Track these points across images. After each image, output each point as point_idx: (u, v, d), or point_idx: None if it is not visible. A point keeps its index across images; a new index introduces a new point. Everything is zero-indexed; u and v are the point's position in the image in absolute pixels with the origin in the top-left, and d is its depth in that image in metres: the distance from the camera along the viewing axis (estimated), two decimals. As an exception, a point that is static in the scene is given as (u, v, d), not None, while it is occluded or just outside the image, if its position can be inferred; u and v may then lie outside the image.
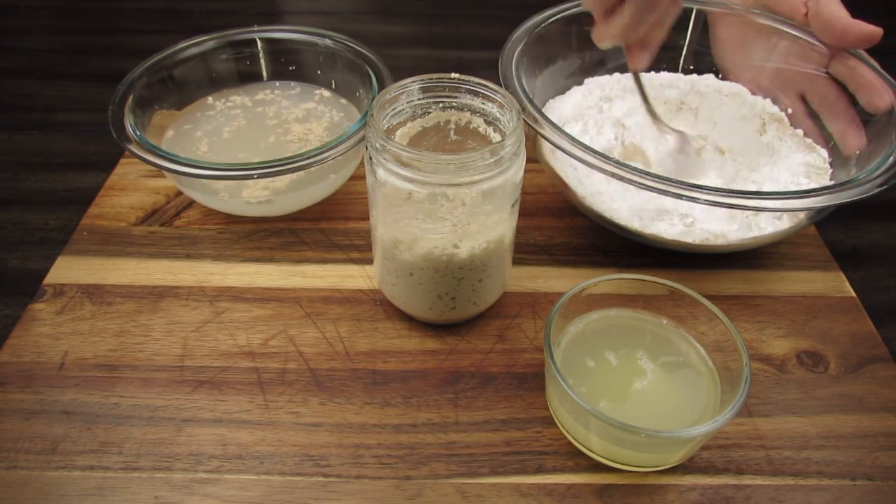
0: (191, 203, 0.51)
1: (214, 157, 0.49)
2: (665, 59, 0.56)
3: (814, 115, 0.50)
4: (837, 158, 0.47)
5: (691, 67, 0.56)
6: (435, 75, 0.38)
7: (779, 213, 0.43)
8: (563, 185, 0.47)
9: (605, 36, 0.45)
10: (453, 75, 0.38)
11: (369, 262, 0.47)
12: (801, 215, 0.43)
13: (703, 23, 0.55)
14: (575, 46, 0.54)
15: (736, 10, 0.52)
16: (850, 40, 0.45)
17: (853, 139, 0.46)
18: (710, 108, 0.52)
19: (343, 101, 0.55)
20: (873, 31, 0.44)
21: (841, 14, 0.45)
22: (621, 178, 0.38)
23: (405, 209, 0.35)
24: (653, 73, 0.56)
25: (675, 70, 0.57)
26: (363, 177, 0.39)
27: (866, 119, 0.46)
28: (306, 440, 0.37)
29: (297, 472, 0.35)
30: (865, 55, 0.47)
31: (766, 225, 0.43)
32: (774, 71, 0.52)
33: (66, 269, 0.46)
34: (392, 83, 0.38)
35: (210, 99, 0.54)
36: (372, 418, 0.38)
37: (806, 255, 0.49)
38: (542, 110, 0.45)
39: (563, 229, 0.50)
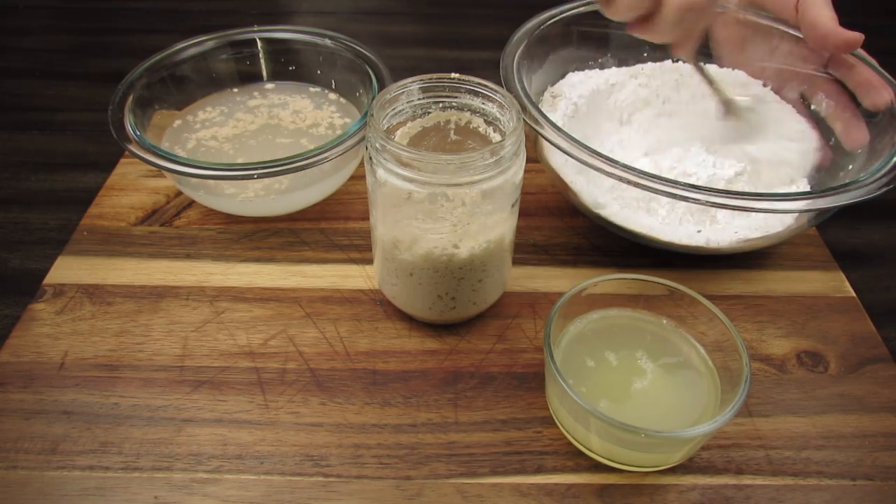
0: (191, 203, 0.51)
1: (214, 157, 0.49)
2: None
3: (813, 114, 0.50)
4: (839, 156, 0.47)
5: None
6: (435, 75, 0.38)
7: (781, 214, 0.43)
8: (564, 186, 0.47)
9: (643, 37, 0.45)
10: (453, 75, 0.38)
11: (369, 262, 0.47)
12: (804, 216, 0.43)
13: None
14: (576, 47, 0.54)
15: (733, 10, 0.52)
16: (831, 46, 0.45)
17: (856, 134, 0.46)
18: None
19: (343, 101, 0.55)
20: (853, 37, 0.44)
21: (825, 19, 0.45)
22: (622, 180, 0.38)
23: (405, 209, 0.35)
24: (649, 63, 0.56)
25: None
26: (363, 177, 0.39)
27: (867, 118, 0.46)
28: (306, 440, 0.37)
29: (297, 472, 0.35)
30: (864, 54, 0.47)
31: (767, 226, 0.43)
32: (774, 71, 0.52)
33: (66, 269, 0.46)
34: (392, 83, 0.38)
35: (210, 99, 0.54)
36: (372, 418, 0.38)
37: (806, 255, 0.49)
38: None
39: (563, 229, 0.50)
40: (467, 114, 0.39)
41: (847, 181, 0.40)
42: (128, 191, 0.52)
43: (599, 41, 0.55)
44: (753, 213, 0.43)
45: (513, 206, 0.38)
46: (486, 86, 0.38)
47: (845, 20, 0.45)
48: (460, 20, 0.84)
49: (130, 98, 0.47)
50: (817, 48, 0.47)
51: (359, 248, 0.48)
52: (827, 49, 0.46)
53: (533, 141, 0.50)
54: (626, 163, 0.39)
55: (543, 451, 0.37)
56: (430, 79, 0.38)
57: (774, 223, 0.43)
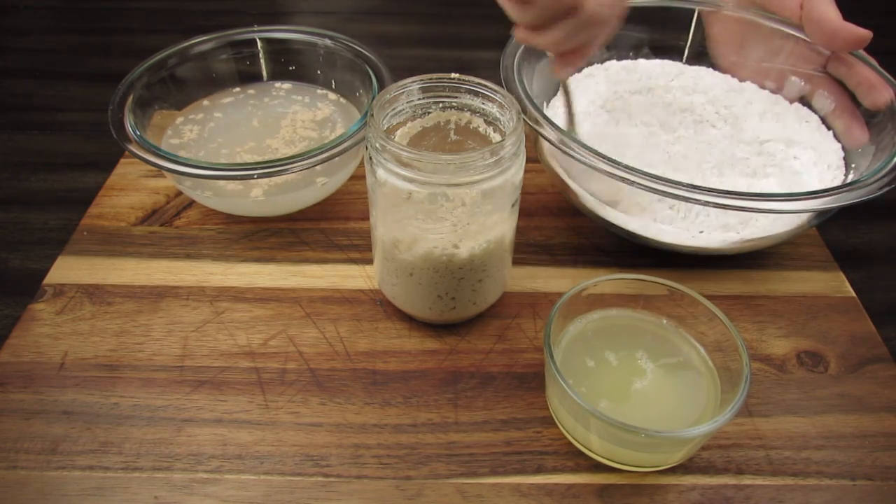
0: (191, 203, 0.51)
1: (214, 157, 0.49)
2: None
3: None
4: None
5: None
6: (435, 75, 0.38)
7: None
8: (564, 186, 0.47)
9: (531, 43, 0.41)
10: (453, 75, 0.38)
11: (369, 262, 0.47)
12: (805, 216, 0.43)
13: (705, 24, 0.55)
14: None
15: (731, 9, 0.52)
16: (839, 43, 0.45)
17: (857, 133, 0.46)
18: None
19: (343, 101, 0.55)
20: (863, 34, 0.44)
21: (832, 16, 0.45)
22: (621, 179, 0.38)
23: (405, 209, 0.35)
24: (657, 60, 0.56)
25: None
26: (363, 177, 0.39)
27: (867, 118, 0.46)
28: (306, 440, 0.37)
29: (297, 472, 0.35)
30: (864, 54, 0.47)
31: (768, 226, 0.43)
32: (773, 70, 0.52)
33: (66, 269, 0.46)
34: (392, 83, 0.38)
35: (210, 99, 0.54)
36: (372, 418, 0.38)
37: (806, 255, 0.49)
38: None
39: (563, 229, 0.50)
40: (467, 114, 0.39)
41: (847, 181, 0.39)
42: (128, 191, 0.52)
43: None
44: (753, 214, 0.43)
45: (513, 206, 0.38)
46: (486, 86, 0.38)
47: (846, 20, 0.45)
48: (460, 20, 0.84)
49: (130, 98, 0.47)
50: (824, 46, 0.47)
51: (359, 248, 0.48)
52: (835, 46, 0.46)
53: (533, 141, 0.50)
54: (625, 163, 0.39)
55: (543, 451, 0.37)
56: (430, 79, 0.38)
57: (775, 223, 0.43)
